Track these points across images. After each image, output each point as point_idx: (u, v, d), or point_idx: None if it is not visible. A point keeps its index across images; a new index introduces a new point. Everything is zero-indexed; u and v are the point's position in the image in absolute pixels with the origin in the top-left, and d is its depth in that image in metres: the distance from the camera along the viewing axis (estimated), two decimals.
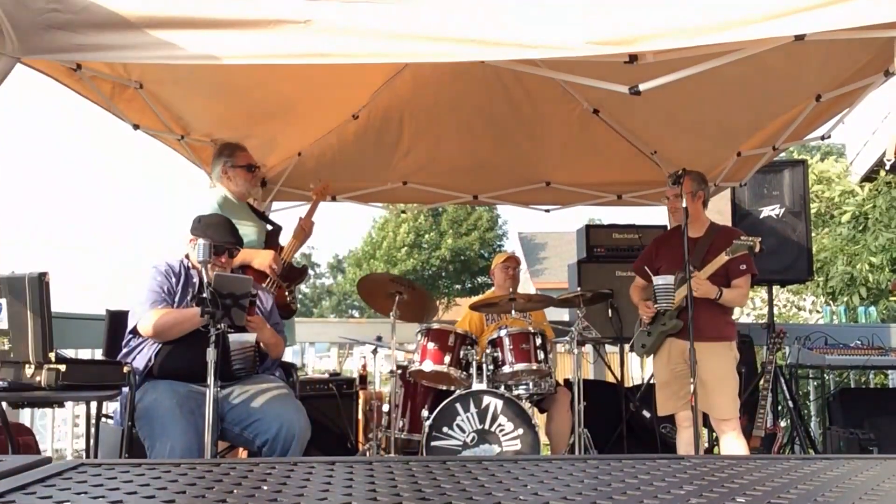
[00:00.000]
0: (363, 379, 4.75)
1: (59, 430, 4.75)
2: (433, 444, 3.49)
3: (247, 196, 3.70)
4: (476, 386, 3.66)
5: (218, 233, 2.97)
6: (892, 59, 2.58)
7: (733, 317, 3.67)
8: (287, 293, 3.58)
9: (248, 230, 3.56)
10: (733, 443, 3.37)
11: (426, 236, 26.13)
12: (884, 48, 2.71)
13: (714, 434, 3.99)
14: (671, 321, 3.50)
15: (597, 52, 2.02)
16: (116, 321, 3.08)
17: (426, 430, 3.50)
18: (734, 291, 3.49)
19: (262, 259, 3.45)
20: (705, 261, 3.45)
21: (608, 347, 5.39)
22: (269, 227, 3.75)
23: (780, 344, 4.25)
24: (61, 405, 3.16)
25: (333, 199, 5.16)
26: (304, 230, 3.76)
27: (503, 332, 3.81)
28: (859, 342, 4.54)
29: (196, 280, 2.97)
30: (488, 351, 3.76)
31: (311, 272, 31.43)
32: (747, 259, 3.42)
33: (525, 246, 27.02)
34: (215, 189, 3.64)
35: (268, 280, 3.44)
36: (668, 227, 5.13)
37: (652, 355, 3.68)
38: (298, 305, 3.72)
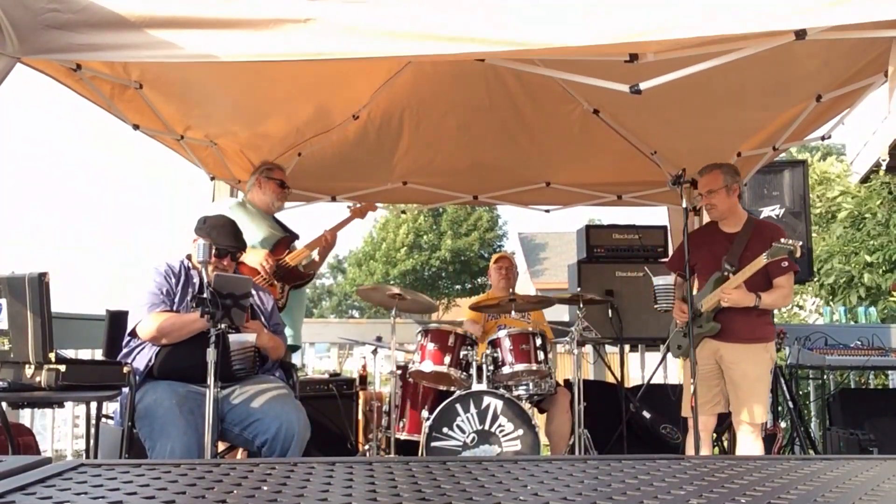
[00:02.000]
0: (363, 379, 4.74)
1: (59, 430, 4.75)
2: (433, 444, 3.49)
3: (273, 209, 3.92)
4: (476, 386, 3.66)
5: (221, 235, 2.97)
6: (891, 59, 2.58)
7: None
8: (279, 290, 3.61)
9: (257, 233, 3.63)
10: (751, 444, 3.32)
11: (426, 237, 26.13)
12: (884, 48, 2.71)
13: (714, 435, 3.99)
14: (708, 324, 3.40)
15: (596, 41, 2.02)
16: (116, 321, 3.08)
17: (426, 430, 3.50)
18: (775, 293, 3.35)
19: (254, 257, 3.49)
20: (744, 258, 3.33)
21: (608, 348, 5.38)
22: (285, 234, 3.79)
23: (780, 344, 4.25)
24: (61, 405, 3.16)
25: (333, 199, 5.17)
26: (327, 241, 3.78)
27: (503, 333, 3.81)
28: (859, 342, 4.53)
29: (196, 280, 2.97)
30: (488, 351, 3.76)
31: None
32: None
33: (525, 246, 27.02)
34: (235, 196, 3.80)
35: (258, 277, 3.47)
36: (669, 226, 5.15)
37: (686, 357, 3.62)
38: (286, 302, 3.72)
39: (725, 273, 3.36)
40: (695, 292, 3.52)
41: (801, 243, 3.16)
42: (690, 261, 3.60)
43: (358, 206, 4.14)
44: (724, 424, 3.76)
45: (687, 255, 3.29)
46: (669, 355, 4.30)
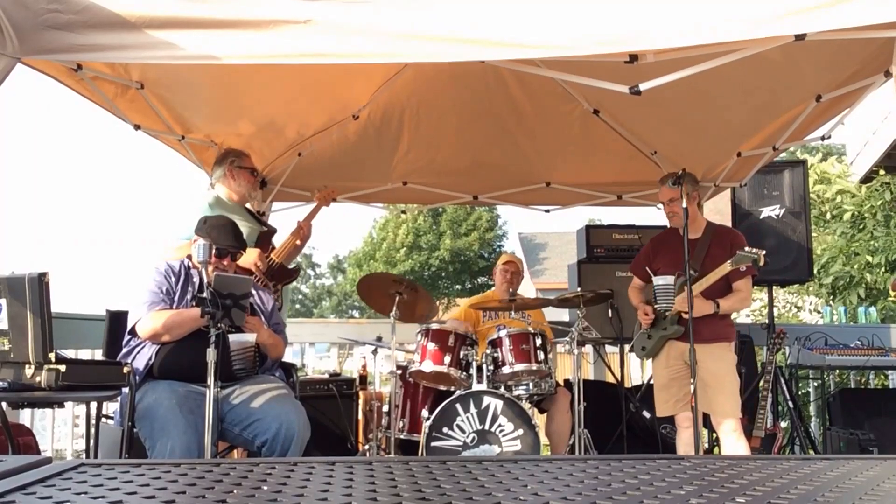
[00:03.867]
0: (363, 379, 4.74)
1: (59, 430, 4.75)
2: (433, 444, 3.49)
3: (247, 198, 3.81)
4: (476, 386, 3.66)
5: (221, 235, 2.98)
6: (892, 59, 2.59)
7: (732, 317, 3.65)
8: (274, 291, 3.61)
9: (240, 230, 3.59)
10: (735, 443, 3.36)
11: (425, 237, 26.13)
12: (884, 48, 2.71)
13: (714, 434, 3.99)
14: (672, 326, 3.47)
15: (597, 51, 2.02)
16: (116, 321, 3.09)
17: (426, 430, 3.50)
18: (734, 297, 3.44)
19: (246, 257, 3.47)
20: (705, 263, 3.41)
21: (608, 348, 5.38)
22: (264, 229, 3.77)
23: (780, 344, 4.25)
24: (61, 405, 3.16)
25: (334, 199, 5.16)
26: (302, 233, 3.77)
27: (503, 333, 3.81)
28: (859, 342, 4.53)
29: (196, 280, 2.97)
30: (488, 351, 3.76)
31: (311, 272, 31.43)
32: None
33: (525, 246, 27.02)
34: (208, 191, 3.75)
35: (252, 277, 3.46)
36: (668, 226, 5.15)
37: (652, 358, 3.67)
38: (283, 302, 3.72)
39: (690, 276, 3.40)
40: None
41: (763, 252, 3.22)
42: (653, 265, 3.65)
43: (321, 192, 4.05)
44: None
45: (687, 256, 3.31)
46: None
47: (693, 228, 3.55)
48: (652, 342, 3.58)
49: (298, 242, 3.80)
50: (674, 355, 3.50)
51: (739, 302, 3.49)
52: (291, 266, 3.84)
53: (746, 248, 3.25)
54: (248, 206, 3.87)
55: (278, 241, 3.79)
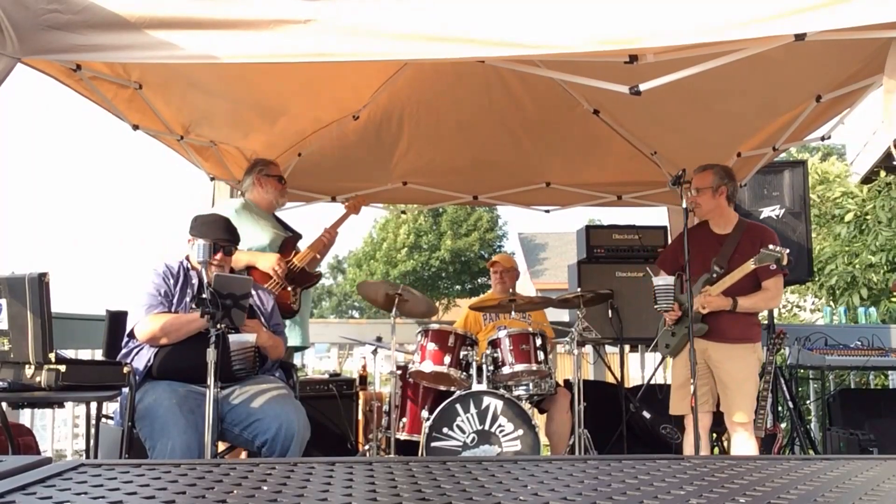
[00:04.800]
0: (363, 379, 4.74)
1: (59, 430, 4.75)
2: (433, 444, 3.49)
3: (275, 206, 3.89)
4: (476, 386, 3.66)
5: (213, 230, 2.98)
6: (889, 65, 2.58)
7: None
8: (292, 294, 3.61)
9: (263, 235, 3.61)
10: (745, 444, 3.34)
11: (426, 237, 26.13)
12: (884, 48, 2.70)
13: (713, 435, 3.99)
14: (696, 324, 3.43)
15: (597, 50, 2.02)
16: (116, 321, 3.09)
17: (426, 430, 3.50)
18: (758, 296, 3.36)
19: (266, 261, 3.48)
20: (733, 259, 3.34)
21: (608, 348, 5.38)
22: (289, 234, 3.78)
23: (780, 345, 4.24)
24: (61, 406, 3.17)
25: (333, 199, 5.16)
26: (327, 240, 3.78)
27: (503, 333, 3.81)
28: (859, 343, 4.53)
29: (195, 281, 2.97)
30: (488, 351, 3.76)
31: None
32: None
33: (525, 246, 27.03)
34: (236, 198, 3.86)
35: (271, 281, 3.47)
36: (669, 226, 5.15)
37: (674, 356, 3.64)
38: (301, 306, 3.72)
39: (714, 275, 3.37)
40: (682, 293, 3.52)
41: (788, 251, 3.16)
42: (681, 261, 3.61)
43: (350, 201, 4.10)
44: (724, 425, 3.76)
45: (687, 255, 3.29)
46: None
47: (722, 223, 3.49)
48: (675, 339, 3.53)
49: (323, 248, 3.81)
50: (695, 354, 3.46)
51: (765, 301, 3.42)
52: (313, 271, 3.84)
53: (771, 247, 3.18)
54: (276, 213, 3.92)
55: (303, 245, 3.81)
